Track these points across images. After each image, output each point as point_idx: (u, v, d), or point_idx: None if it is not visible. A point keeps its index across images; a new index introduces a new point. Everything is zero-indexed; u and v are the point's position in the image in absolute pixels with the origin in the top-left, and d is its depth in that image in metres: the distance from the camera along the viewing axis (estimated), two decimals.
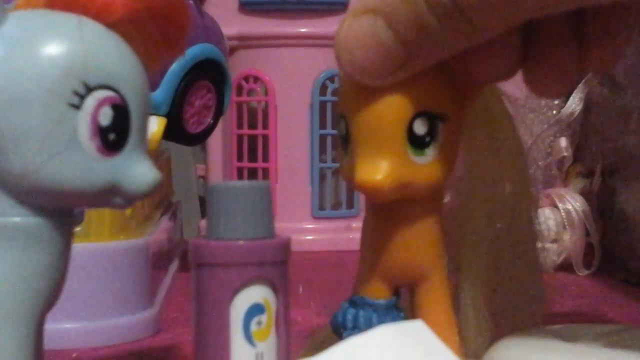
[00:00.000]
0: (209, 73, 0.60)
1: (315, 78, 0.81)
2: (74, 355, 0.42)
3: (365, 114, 0.26)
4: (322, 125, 0.81)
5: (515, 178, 0.32)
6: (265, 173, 0.82)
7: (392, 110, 0.26)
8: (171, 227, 0.65)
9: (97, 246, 0.45)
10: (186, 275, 0.43)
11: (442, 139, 0.27)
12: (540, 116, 0.70)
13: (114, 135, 0.24)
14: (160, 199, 0.64)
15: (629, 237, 0.63)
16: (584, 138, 0.71)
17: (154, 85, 0.54)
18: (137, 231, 0.49)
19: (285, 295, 0.26)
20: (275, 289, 0.26)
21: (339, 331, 0.28)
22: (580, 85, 0.67)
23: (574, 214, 0.67)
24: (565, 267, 0.67)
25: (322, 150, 0.82)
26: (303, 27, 0.82)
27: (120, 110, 0.24)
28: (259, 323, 0.26)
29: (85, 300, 0.43)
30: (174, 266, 0.63)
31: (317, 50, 0.81)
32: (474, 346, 0.31)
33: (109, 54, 0.24)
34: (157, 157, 0.62)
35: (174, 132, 0.58)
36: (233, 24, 0.81)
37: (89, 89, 0.23)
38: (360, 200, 0.80)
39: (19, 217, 0.24)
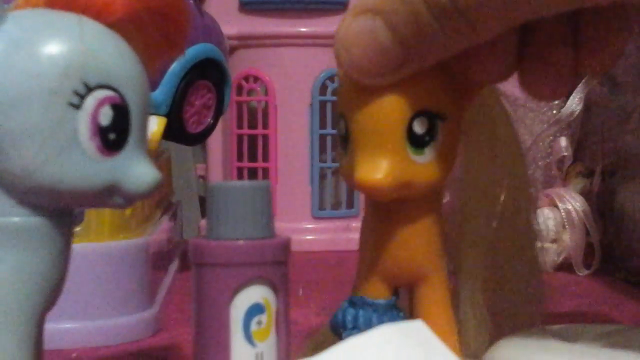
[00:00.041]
0: (209, 73, 0.60)
1: (315, 78, 0.81)
2: (74, 355, 0.42)
3: (365, 113, 0.26)
4: (322, 125, 0.81)
5: (514, 178, 0.32)
6: (265, 173, 0.82)
7: (391, 109, 0.26)
8: (171, 227, 0.65)
9: (97, 246, 0.45)
10: (186, 275, 0.43)
11: (441, 139, 0.27)
12: (540, 116, 0.70)
13: (114, 135, 0.24)
14: (160, 199, 0.64)
15: (629, 237, 0.63)
16: (584, 138, 0.71)
17: (154, 85, 0.54)
18: (137, 231, 0.49)
19: (285, 295, 0.26)
20: (275, 289, 0.26)
21: (338, 331, 0.28)
22: (580, 85, 0.67)
23: (574, 214, 0.67)
24: (565, 267, 0.67)
25: (322, 150, 0.82)
26: (303, 27, 0.82)
27: (120, 110, 0.24)
28: (259, 323, 0.26)
29: (85, 300, 0.43)
30: (174, 266, 0.63)
31: (317, 50, 0.81)
32: (474, 346, 0.31)
33: (109, 54, 0.24)
34: (157, 157, 0.62)
35: (174, 131, 0.58)
36: (233, 23, 0.81)
37: (89, 89, 0.23)
38: (360, 200, 0.80)
39: (18, 217, 0.24)
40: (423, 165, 0.26)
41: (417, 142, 0.26)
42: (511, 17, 0.24)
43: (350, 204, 0.82)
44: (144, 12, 0.26)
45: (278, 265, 0.26)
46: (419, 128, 0.26)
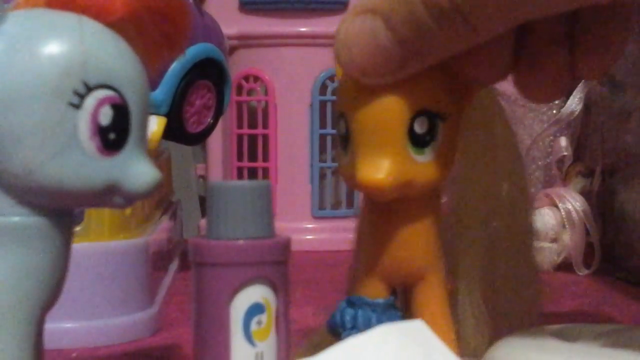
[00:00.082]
0: (209, 72, 0.60)
1: (315, 77, 0.81)
2: (73, 354, 0.42)
3: (366, 113, 0.26)
4: (322, 125, 0.81)
5: (511, 177, 0.32)
6: (265, 173, 0.82)
7: (393, 109, 0.26)
8: (171, 227, 0.65)
9: (97, 246, 0.45)
10: (186, 275, 0.43)
11: (441, 138, 0.27)
12: (540, 116, 0.70)
13: (114, 135, 0.24)
14: (160, 199, 0.64)
15: (629, 237, 0.63)
16: (584, 137, 0.71)
17: (154, 84, 0.54)
18: (137, 231, 0.49)
19: (286, 295, 0.26)
20: (275, 289, 0.26)
21: (337, 331, 0.28)
22: (580, 85, 0.67)
23: (574, 214, 0.67)
24: (565, 266, 0.67)
25: (322, 149, 0.82)
26: (303, 27, 0.82)
27: (120, 110, 0.24)
28: (259, 323, 0.26)
29: (85, 300, 0.43)
30: (174, 266, 0.63)
31: (317, 50, 0.81)
32: (473, 346, 0.31)
33: (109, 54, 0.24)
34: (157, 156, 0.62)
35: (174, 131, 0.58)
36: (233, 23, 0.81)
37: (89, 89, 0.23)
38: (360, 199, 0.80)
39: (18, 217, 0.24)
40: (424, 164, 0.26)
41: (418, 142, 0.26)
42: (510, 18, 0.24)
43: (350, 204, 0.82)
44: (144, 12, 0.26)
45: (278, 265, 0.26)
46: (419, 128, 0.26)
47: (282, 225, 0.67)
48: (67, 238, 0.25)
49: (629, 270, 0.63)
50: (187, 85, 0.58)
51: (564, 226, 0.67)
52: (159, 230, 0.56)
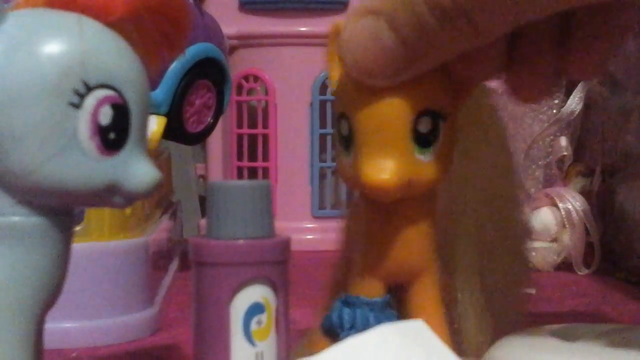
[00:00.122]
0: (209, 72, 0.60)
1: (315, 77, 0.81)
2: (73, 354, 0.42)
3: (370, 114, 0.26)
4: (322, 125, 0.81)
5: (502, 175, 0.32)
6: (265, 172, 0.82)
7: (397, 109, 0.26)
8: (171, 227, 0.65)
9: (97, 246, 0.45)
10: (186, 274, 0.43)
11: (442, 138, 0.27)
12: (540, 115, 0.70)
13: (113, 135, 0.24)
14: (160, 198, 0.64)
15: (629, 237, 0.63)
16: (584, 137, 0.71)
17: (154, 84, 0.54)
18: (137, 230, 0.49)
19: (285, 295, 0.26)
20: (275, 289, 0.26)
21: (334, 332, 0.28)
22: (580, 84, 0.67)
23: (574, 214, 0.67)
24: (565, 266, 0.67)
25: (322, 149, 0.82)
26: (303, 27, 0.82)
27: (120, 110, 0.24)
28: (259, 322, 0.26)
29: (85, 300, 0.43)
30: (174, 265, 0.63)
31: (317, 50, 0.81)
32: (475, 345, 0.31)
33: (109, 53, 0.24)
34: (157, 156, 0.62)
35: (174, 131, 0.58)
36: (233, 23, 0.81)
37: (89, 88, 0.23)
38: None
39: (18, 217, 0.24)
40: (426, 164, 0.26)
41: (422, 142, 0.26)
42: (514, 18, 0.24)
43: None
44: (144, 12, 0.26)
45: (278, 265, 0.26)
46: (423, 127, 0.26)
47: (282, 225, 0.67)
48: (67, 238, 0.25)
49: (629, 270, 0.63)
50: (187, 85, 0.58)
51: (564, 226, 0.67)
52: (159, 230, 0.56)
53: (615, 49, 0.27)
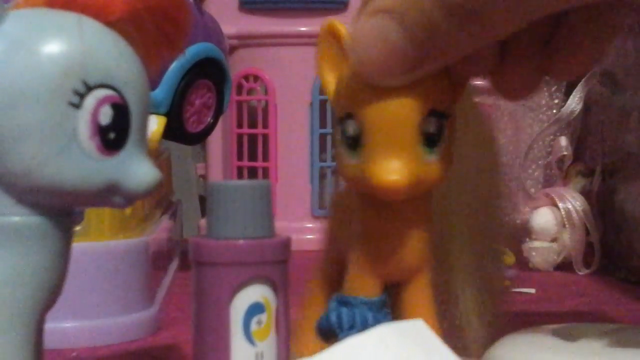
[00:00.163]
0: (209, 72, 0.60)
1: (315, 77, 0.81)
2: (73, 354, 0.42)
3: (381, 114, 0.26)
4: (322, 124, 0.81)
5: (486, 173, 0.32)
6: (265, 172, 0.82)
7: (407, 110, 0.26)
8: (171, 227, 0.65)
9: (97, 246, 0.45)
10: (186, 274, 0.43)
11: (445, 137, 0.27)
12: (540, 115, 0.70)
13: (113, 135, 0.24)
14: (160, 198, 0.64)
15: (629, 236, 0.63)
16: (584, 137, 0.71)
17: (154, 84, 0.54)
18: (137, 230, 0.49)
19: (286, 295, 0.26)
20: (275, 288, 0.26)
21: (332, 332, 0.28)
22: (580, 84, 0.67)
23: (574, 213, 0.67)
24: (565, 266, 0.67)
25: (322, 149, 0.82)
26: (303, 26, 0.82)
27: (120, 110, 0.24)
28: (259, 322, 0.26)
29: (85, 300, 0.43)
30: (174, 265, 0.63)
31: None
32: (475, 344, 0.31)
33: (108, 53, 0.24)
34: (157, 156, 0.62)
35: (174, 131, 0.58)
36: (233, 23, 0.81)
37: (89, 88, 0.23)
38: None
39: (18, 217, 0.24)
40: (432, 163, 0.27)
41: (430, 142, 0.26)
42: (522, 17, 0.24)
43: None
44: (144, 12, 0.26)
45: (278, 265, 0.26)
46: (431, 128, 0.26)
47: (282, 225, 0.67)
48: (67, 238, 0.25)
49: (629, 269, 0.63)
50: (187, 85, 0.58)
51: (564, 226, 0.67)
52: (159, 230, 0.56)
53: (602, 50, 0.27)
